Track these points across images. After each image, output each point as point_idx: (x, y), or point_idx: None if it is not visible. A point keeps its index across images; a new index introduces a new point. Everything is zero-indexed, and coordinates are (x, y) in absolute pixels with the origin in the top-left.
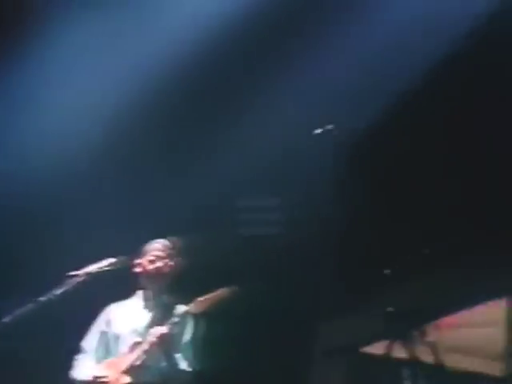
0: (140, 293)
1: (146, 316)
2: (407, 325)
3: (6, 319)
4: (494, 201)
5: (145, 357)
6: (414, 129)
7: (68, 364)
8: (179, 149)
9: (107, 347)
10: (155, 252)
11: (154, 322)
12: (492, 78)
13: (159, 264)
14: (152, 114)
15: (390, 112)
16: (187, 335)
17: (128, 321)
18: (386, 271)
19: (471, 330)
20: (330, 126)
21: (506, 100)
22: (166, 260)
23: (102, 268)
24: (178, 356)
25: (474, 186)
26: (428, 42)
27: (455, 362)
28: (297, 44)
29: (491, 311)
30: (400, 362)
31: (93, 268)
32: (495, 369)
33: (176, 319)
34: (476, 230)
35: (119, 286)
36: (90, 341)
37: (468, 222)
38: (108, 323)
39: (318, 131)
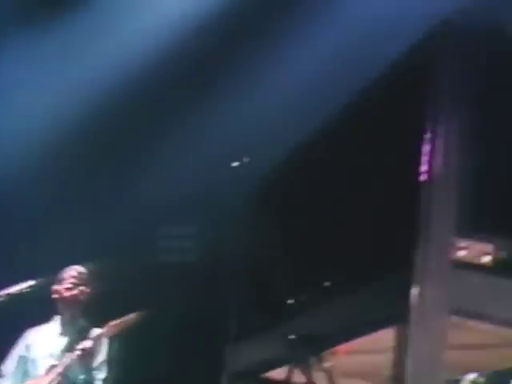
0: (57, 317)
1: (63, 340)
2: (306, 351)
3: None
4: (389, 236)
5: (60, 379)
6: (330, 162)
7: None
8: (101, 175)
9: (25, 371)
10: (71, 279)
11: (70, 346)
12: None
13: (75, 290)
14: (76, 138)
15: (306, 146)
16: (101, 357)
17: (45, 345)
18: (289, 301)
19: (364, 356)
20: (246, 159)
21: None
22: (82, 286)
23: (20, 290)
24: (93, 375)
25: (376, 221)
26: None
27: None
28: (219, 75)
29: (382, 339)
30: None
31: (11, 290)
32: None
33: (91, 342)
34: (368, 265)
35: (38, 309)
36: (9, 365)
37: (362, 256)
38: (27, 347)
39: (235, 164)
